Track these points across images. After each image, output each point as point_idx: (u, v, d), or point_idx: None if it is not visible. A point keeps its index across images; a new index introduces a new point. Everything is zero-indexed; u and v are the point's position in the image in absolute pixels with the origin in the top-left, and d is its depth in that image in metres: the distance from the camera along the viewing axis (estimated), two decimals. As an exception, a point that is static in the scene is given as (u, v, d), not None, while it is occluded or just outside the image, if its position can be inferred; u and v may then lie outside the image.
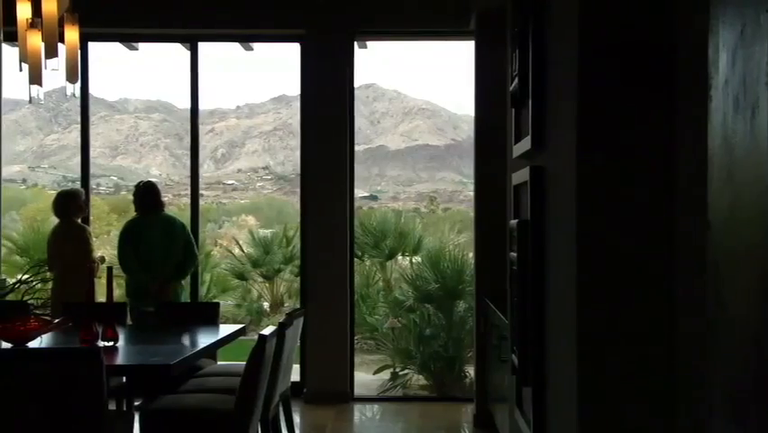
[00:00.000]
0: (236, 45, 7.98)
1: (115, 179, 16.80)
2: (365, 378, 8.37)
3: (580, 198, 2.64)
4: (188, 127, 7.73)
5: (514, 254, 3.75)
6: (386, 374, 8.39)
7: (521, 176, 3.72)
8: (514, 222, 3.79)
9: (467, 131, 17.26)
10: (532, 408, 3.36)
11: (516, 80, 3.73)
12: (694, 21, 2.37)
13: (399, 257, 10.75)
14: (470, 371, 7.73)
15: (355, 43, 7.37)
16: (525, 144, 3.60)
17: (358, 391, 7.41)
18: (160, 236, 6.57)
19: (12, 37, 4.96)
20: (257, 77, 20.00)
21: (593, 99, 2.64)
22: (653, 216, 2.60)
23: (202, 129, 7.80)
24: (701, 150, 1.96)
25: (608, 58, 2.63)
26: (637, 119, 2.63)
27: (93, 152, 7.77)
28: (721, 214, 1.40)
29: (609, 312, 2.61)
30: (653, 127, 2.61)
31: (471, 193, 8.95)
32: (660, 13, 2.60)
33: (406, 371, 8.25)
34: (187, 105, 7.57)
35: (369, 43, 7.85)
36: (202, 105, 7.61)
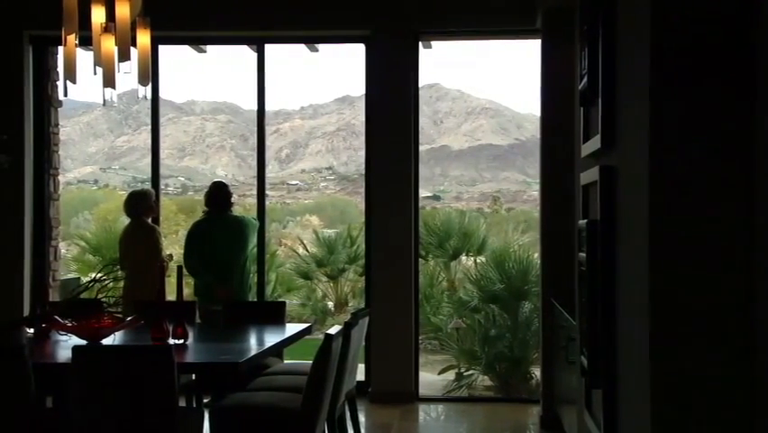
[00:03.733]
0: (301, 46, 8.05)
1: (183, 179, 17.11)
2: (430, 378, 8.37)
3: (653, 198, 2.59)
4: (253, 128, 7.82)
5: (583, 255, 3.71)
6: (451, 375, 8.38)
7: (590, 175, 3.67)
8: (583, 222, 3.75)
9: (531, 130, 17.10)
10: (603, 410, 3.31)
11: (586, 79, 3.68)
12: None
13: (463, 257, 10.71)
14: (536, 372, 7.67)
15: (420, 43, 7.37)
16: (594, 144, 3.55)
17: (423, 391, 7.40)
18: (225, 237, 6.63)
19: (86, 41, 5.08)
20: (321, 77, 20.14)
21: (666, 98, 2.59)
22: (731, 216, 2.54)
23: (267, 130, 7.88)
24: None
25: (681, 56, 2.58)
26: (713, 118, 2.57)
27: (161, 154, 7.93)
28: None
29: (684, 313, 2.56)
30: (729, 126, 2.55)
31: (535, 193, 8.88)
32: (736, 11, 2.54)
33: (471, 371, 8.23)
34: (253, 106, 7.67)
35: (432, 43, 7.84)
36: (267, 107, 7.70)
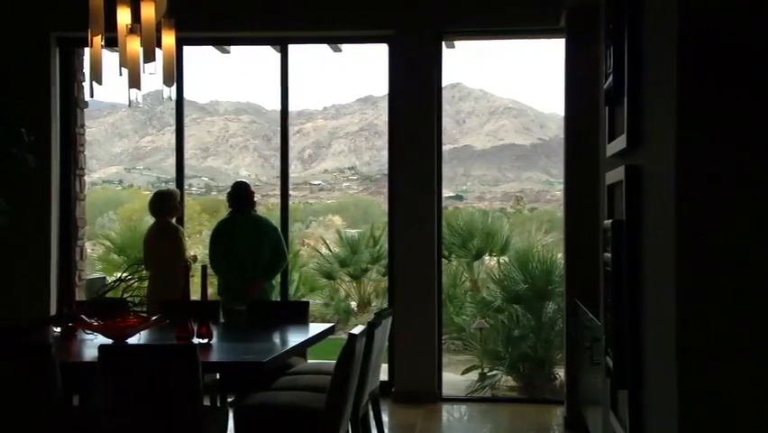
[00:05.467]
0: (324, 47, 8.06)
1: (206, 179, 17.21)
2: (453, 378, 8.35)
3: (680, 198, 2.57)
4: (276, 128, 7.86)
5: (608, 255, 3.68)
6: (474, 375, 8.35)
7: (615, 175, 3.65)
8: (608, 222, 3.72)
9: (554, 130, 17.06)
10: (628, 411, 3.29)
11: (611, 78, 3.66)
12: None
13: (486, 257, 10.69)
14: (560, 372, 7.63)
15: (443, 43, 7.36)
16: (619, 143, 3.53)
17: (446, 391, 7.39)
18: (249, 236, 6.68)
19: (112, 43, 5.12)
20: (344, 78, 20.19)
21: (693, 96, 2.56)
22: (758, 215, 2.51)
23: (290, 130, 7.90)
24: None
25: (708, 55, 2.55)
26: (740, 117, 2.54)
27: (185, 154, 7.98)
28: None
29: (711, 313, 2.53)
30: (757, 125, 2.52)
31: (558, 193, 8.84)
32: (765, 9, 2.51)
33: (494, 372, 8.20)
34: (275, 106, 7.72)
35: (455, 42, 7.83)
36: (290, 107, 7.71)
